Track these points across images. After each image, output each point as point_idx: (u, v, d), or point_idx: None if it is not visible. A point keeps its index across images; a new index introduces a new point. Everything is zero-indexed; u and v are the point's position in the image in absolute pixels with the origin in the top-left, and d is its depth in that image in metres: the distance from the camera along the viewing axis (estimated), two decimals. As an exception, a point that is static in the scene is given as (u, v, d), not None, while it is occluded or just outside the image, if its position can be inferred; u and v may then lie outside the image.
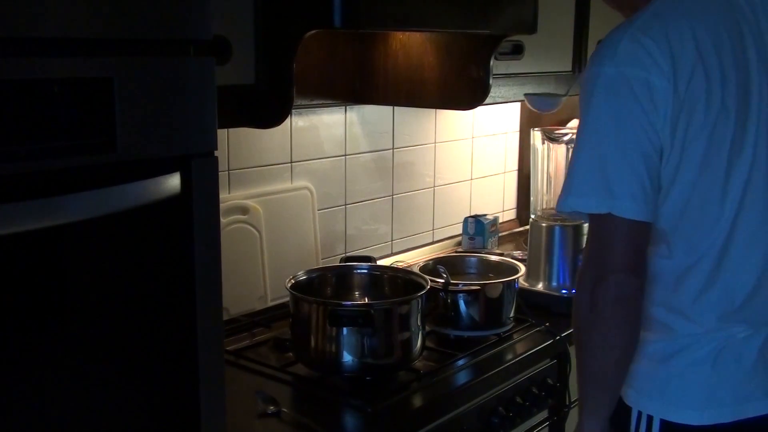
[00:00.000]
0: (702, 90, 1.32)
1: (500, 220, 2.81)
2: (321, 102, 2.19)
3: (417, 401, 1.66)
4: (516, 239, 2.86)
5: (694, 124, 1.32)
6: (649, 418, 1.43)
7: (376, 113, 2.39)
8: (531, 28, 1.94)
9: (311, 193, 2.20)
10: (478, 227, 2.62)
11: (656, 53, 1.31)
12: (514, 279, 1.98)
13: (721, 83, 1.33)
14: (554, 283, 2.18)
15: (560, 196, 1.37)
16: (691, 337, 1.41)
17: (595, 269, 1.35)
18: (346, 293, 1.94)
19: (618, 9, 1.55)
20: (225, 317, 1.69)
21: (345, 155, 2.32)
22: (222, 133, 1.89)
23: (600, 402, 1.42)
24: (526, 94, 2.36)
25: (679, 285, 1.40)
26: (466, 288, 1.92)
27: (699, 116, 1.32)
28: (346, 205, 2.34)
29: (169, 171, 1.09)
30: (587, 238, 1.40)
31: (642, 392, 1.44)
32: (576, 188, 1.35)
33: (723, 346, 1.40)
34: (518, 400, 1.84)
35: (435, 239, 2.69)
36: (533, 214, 2.26)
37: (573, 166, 1.36)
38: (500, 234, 2.75)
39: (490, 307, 1.93)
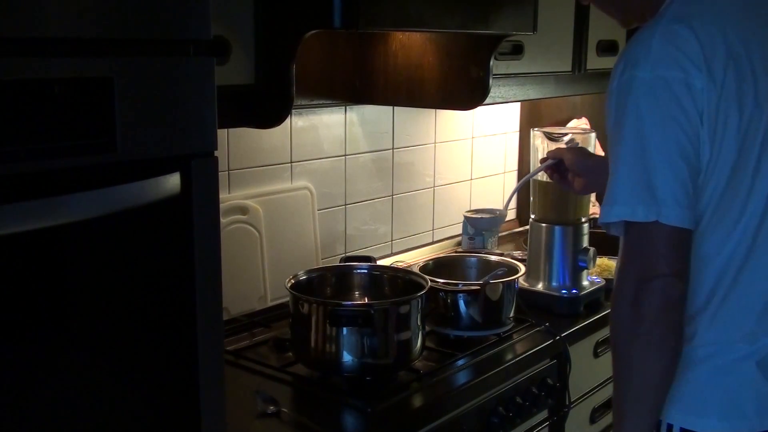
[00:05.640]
0: (734, 89, 1.29)
1: (500, 220, 2.81)
2: (321, 102, 2.19)
3: (417, 401, 1.66)
4: (516, 239, 2.86)
5: (730, 125, 1.30)
6: (669, 427, 1.39)
7: (376, 113, 2.39)
8: (531, 28, 1.94)
9: (311, 193, 2.20)
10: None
11: (690, 53, 1.27)
12: (514, 279, 1.98)
13: (753, 81, 1.31)
14: (554, 283, 2.18)
15: (604, 207, 1.32)
16: (716, 345, 1.37)
17: (636, 278, 1.29)
18: (346, 293, 1.93)
19: (619, 15, 1.51)
20: (225, 317, 1.69)
21: (345, 155, 2.32)
22: (222, 133, 1.89)
23: (642, 422, 1.34)
24: (465, 216, 2.42)
25: (703, 290, 1.36)
26: (466, 288, 1.92)
27: (734, 119, 1.30)
28: (346, 205, 2.34)
29: (169, 171, 1.09)
30: (624, 250, 1.33)
31: None
32: (622, 197, 1.29)
33: (748, 355, 1.37)
34: (518, 400, 1.84)
35: (435, 239, 2.69)
36: (533, 214, 2.26)
37: (615, 176, 1.31)
38: (500, 234, 2.75)
39: (490, 307, 1.92)
